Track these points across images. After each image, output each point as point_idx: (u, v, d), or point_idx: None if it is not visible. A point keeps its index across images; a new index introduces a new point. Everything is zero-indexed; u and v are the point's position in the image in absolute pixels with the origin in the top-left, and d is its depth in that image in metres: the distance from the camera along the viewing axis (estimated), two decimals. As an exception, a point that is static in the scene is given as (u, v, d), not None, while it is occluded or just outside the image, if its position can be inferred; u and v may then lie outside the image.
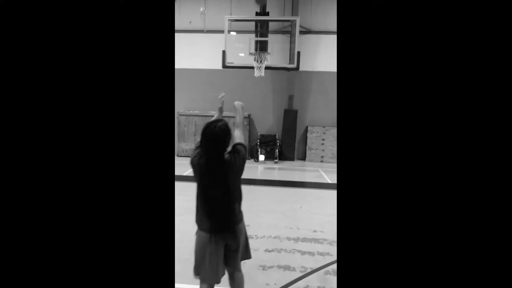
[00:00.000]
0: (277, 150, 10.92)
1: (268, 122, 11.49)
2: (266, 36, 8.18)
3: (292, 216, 5.17)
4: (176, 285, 2.66)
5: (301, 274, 3.29)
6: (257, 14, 8.28)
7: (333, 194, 6.74)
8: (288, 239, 4.21)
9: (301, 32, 9.51)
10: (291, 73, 10.58)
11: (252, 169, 9.55)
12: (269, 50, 7.89)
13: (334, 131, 10.92)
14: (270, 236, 4.26)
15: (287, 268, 3.42)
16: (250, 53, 7.86)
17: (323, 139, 11.04)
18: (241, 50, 8.68)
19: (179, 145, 10.83)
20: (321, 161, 11.03)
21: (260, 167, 10.11)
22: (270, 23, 9.07)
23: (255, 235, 4.24)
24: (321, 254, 3.80)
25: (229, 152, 2.12)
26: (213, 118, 2.26)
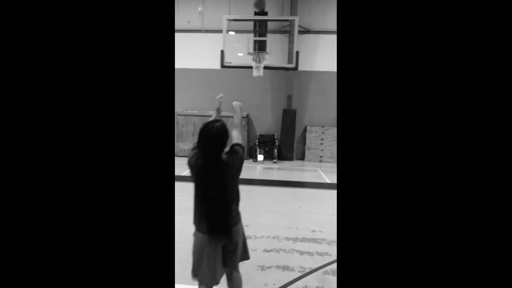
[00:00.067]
0: (275, 150, 10.93)
1: (267, 122, 11.50)
2: (265, 35, 8.18)
3: (291, 216, 5.18)
4: (175, 285, 2.66)
5: (300, 274, 3.29)
6: (255, 14, 8.29)
7: (332, 194, 6.75)
8: (287, 239, 4.21)
9: (299, 32, 9.52)
10: (289, 73, 10.58)
11: (251, 169, 9.55)
12: (267, 50, 7.89)
13: (333, 131, 10.94)
14: (269, 236, 4.26)
15: (285, 268, 3.42)
16: (249, 53, 7.86)
17: (322, 139, 11.06)
18: (240, 50, 8.68)
19: (177, 145, 10.82)
20: (320, 161, 11.05)
21: (259, 167, 10.11)
22: (268, 23, 9.08)
23: (254, 235, 4.24)
24: (320, 254, 3.80)
25: (227, 153, 2.12)
26: (211, 118, 2.25)
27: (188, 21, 10.94)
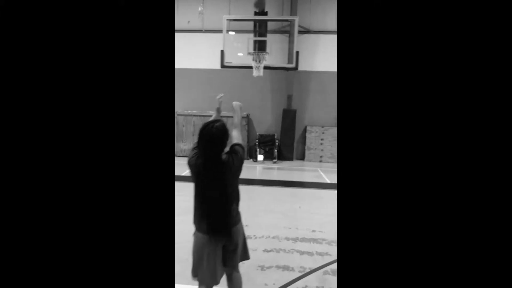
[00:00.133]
0: (275, 150, 10.93)
1: (267, 122, 11.50)
2: (265, 35, 8.19)
3: (291, 216, 5.18)
4: (175, 285, 2.66)
5: (300, 274, 3.29)
6: (255, 14, 8.29)
7: (332, 194, 6.75)
8: (287, 239, 4.21)
9: (299, 32, 9.52)
10: (289, 73, 10.58)
11: (251, 169, 9.55)
12: (267, 50, 7.90)
13: (333, 131, 10.94)
14: (269, 236, 4.26)
15: (285, 268, 3.42)
16: (249, 53, 7.86)
17: (322, 139, 11.06)
18: (240, 50, 8.68)
19: (177, 145, 10.82)
20: (320, 161, 11.05)
21: (259, 167, 10.11)
22: (268, 23, 9.08)
23: (254, 235, 4.24)
24: (320, 254, 3.80)
25: (227, 153, 2.11)
26: (211, 119, 2.25)
27: (188, 21, 10.94)
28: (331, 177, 8.46)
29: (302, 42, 10.36)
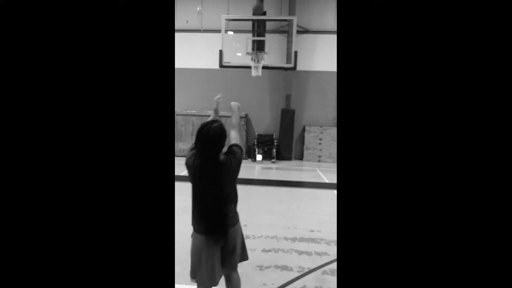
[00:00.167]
0: (274, 150, 10.94)
1: (266, 122, 11.50)
2: (263, 35, 8.19)
3: (289, 216, 5.18)
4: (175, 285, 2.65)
5: (298, 274, 3.29)
6: (254, 13, 8.28)
7: (330, 193, 6.76)
8: (286, 239, 4.21)
9: (298, 32, 9.54)
10: (288, 73, 10.59)
11: (250, 169, 9.55)
12: (266, 50, 7.90)
13: (331, 131, 10.95)
14: (268, 236, 4.26)
15: (284, 268, 3.42)
16: (247, 53, 7.86)
17: (321, 138, 11.06)
18: (238, 50, 8.68)
19: (176, 145, 10.81)
20: (319, 161, 11.06)
21: (258, 167, 10.11)
22: (267, 23, 9.09)
23: (252, 235, 4.24)
24: (319, 254, 3.80)
25: (225, 153, 2.11)
26: (209, 119, 2.25)
27: (187, 21, 10.94)
28: (330, 177, 8.47)
29: (300, 42, 10.37)
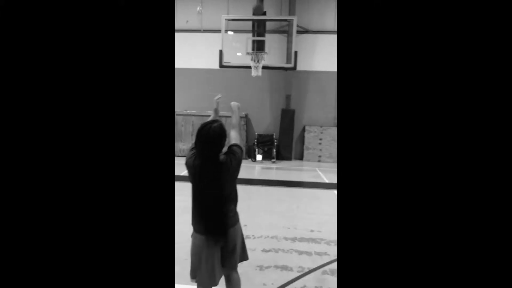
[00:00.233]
0: (274, 150, 10.94)
1: (266, 122, 11.50)
2: (263, 35, 8.19)
3: (289, 216, 5.18)
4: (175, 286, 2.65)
5: (298, 274, 3.29)
6: (254, 13, 8.28)
7: (330, 193, 6.76)
8: (286, 239, 4.21)
9: (298, 32, 9.53)
10: (288, 73, 10.59)
11: (250, 169, 9.55)
12: (266, 50, 7.90)
13: (331, 131, 10.96)
14: (268, 236, 4.26)
15: (284, 268, 3.42)
16: (247, 53, 7.86)
17: (321, 138, 11.06)
18: (238, 50, 8.68)
19: (176, 145, 10.81)
20: (319, 161, 11.06)
21: (258, 167, 10.11)
22: (267, 23, 9.09)
23: (252, 235, 4.24)
24: (319, 254, 3.80)
25: (225, 153, 2.11)
26: (209, 119, 2.25)
27: (187, 21, 10.94)
28: (330, 177, 8.47)
29: (300, 42, 10.38)
